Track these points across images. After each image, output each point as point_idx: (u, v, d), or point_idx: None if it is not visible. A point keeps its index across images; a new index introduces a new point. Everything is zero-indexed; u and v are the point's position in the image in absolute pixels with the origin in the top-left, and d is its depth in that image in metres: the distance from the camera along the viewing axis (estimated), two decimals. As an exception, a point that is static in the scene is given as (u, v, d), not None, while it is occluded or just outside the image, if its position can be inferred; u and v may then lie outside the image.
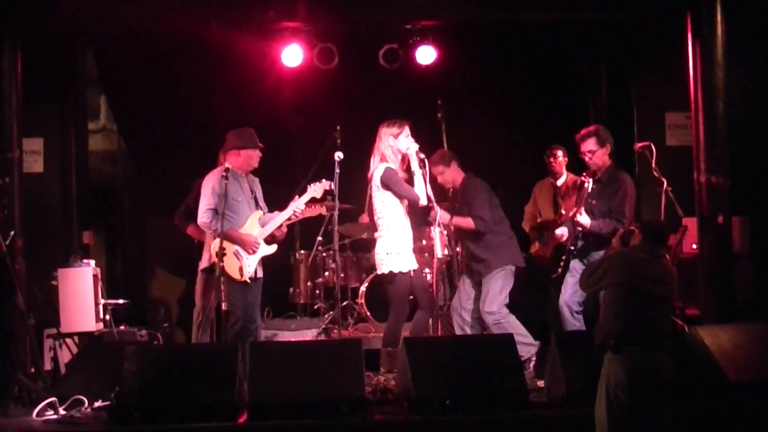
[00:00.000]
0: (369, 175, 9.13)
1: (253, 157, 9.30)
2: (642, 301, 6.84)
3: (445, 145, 9.75)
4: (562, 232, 9.45)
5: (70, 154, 11.29)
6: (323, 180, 9.24)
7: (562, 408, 7.96)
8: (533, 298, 10.77)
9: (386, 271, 9.00)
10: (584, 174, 9.21)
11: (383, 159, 9.05)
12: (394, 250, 9.00)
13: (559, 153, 10.58)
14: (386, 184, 9.01)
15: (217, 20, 10.52)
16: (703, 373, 8.15)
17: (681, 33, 9.74)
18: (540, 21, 11.13)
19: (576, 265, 9.21)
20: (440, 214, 9.25)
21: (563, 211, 10.03)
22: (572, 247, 9.31)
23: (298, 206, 9.27)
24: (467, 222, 9.50)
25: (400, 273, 8.98)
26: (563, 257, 9.36)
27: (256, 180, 9.45)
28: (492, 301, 9.52)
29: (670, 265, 7.18)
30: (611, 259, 7.17)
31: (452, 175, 9.65)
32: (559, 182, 10.61)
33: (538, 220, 10.75)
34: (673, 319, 7.61)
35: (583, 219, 9.06)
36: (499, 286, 9.56)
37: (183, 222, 10.27)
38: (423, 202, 9.03)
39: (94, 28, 11.15)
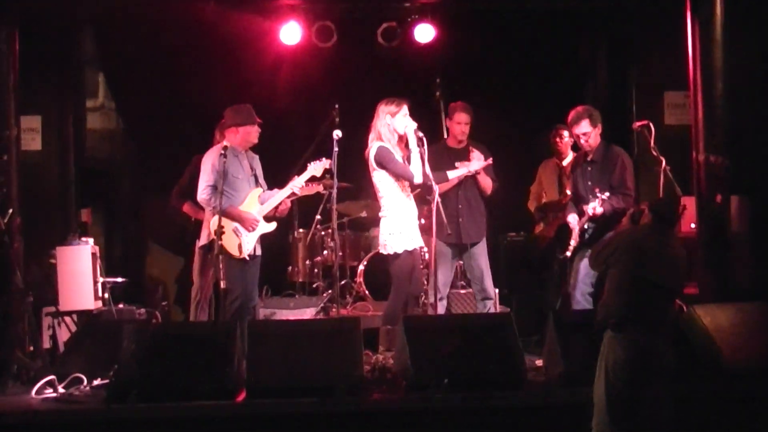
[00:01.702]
0: (365, 154, 9.12)
1: (251, 132, 9.28)
2: (648, 281, 6.82)
3: (443, 123, 9.73)
4: (573, 221, 9.36)
5: (68, 132, 11.28)
6: (323, 158, 9.23)
7: (560, 387, 7.97)
8: (537, 277, 10.79)
9: (391, 252, 9.00)
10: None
11: (379, 137, 9.02)
12: (397, 229, 8.98)
13: (565, 133, 10.57)
14: (380, 163, 8.99)
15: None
16: (700, 353, 8.16)
17: (680, 12, 9.72)
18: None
19: (587, 247, 9.14)
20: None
21: (568, 191, 10.04)
22: (583, 231, 9.25)
23: (297, 184, 9.26)
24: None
25: (405, 252, 8.97)
26: (571, 238, 9.31)
27: (256, 157, 9.44)
28: None
29: (681, 247, 7.13)
30: (621, 238, 7.15)
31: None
32: (564, 162, 10.61)
33: (543, 200, 10.76)
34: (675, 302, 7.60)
35: (599, 209, 9.02)
36: None
37: (179, 200, 10.27)
38: (418, 180, 9.00)
39: (93, 6, 11.12)
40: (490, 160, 9.57)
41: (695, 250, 9.42)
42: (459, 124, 9.58)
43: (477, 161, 9.53)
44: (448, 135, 9.91)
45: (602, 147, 9.29)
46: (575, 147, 10.40)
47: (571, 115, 9.28)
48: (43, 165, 11.01)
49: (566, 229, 9.50)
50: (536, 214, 10.86)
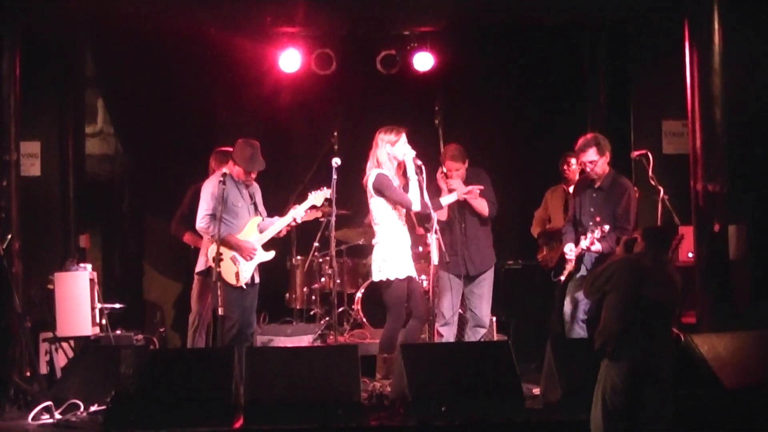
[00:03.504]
0: (363, 181, 9.13)
1: (248, 175, 9.26)
2: (644, 307, 6.84)
3: (441, 150, 9.74)
4: (570, 248, 9.34)
5: (67, 158, 11.29)
6: (324, 188, 9.21)
7: (558, 414, 7.97)
8: (536, 304, 10.79)
9: (383, 279, 8.99)
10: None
11: (378, 165, 9.03)
12: (390, 256, 8.98)
13: (572, 161, 10.58)
14: (379, 190, 9.00)
15: (216, 24, 10.55)
16: (699, 382, 8.15)
17: (679, 40, 9.76)
18: (537, 24, 11.18)
19: (581, 273, 9.16)
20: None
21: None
22: (580, 256, 9.24)
23: (297, 214, 9.26)
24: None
25: (397, 279, 8.96)
26: (567, 263, 9.30)
27: (256, 186, 9.43)
28: None
29: (675, 271, 7.16)
30: (615, 264, 7.16)
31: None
32: (572, 189, 10.62)
33: (548, 226, 10.76)
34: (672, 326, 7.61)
35: (595, 247, 9.02)
36: None
37: (179, 229, 10.29)
38: (416, 208, 9.01)
39: (92, 29, 11.16)
40: (474, 188, 9.53)
41: (693, 278, 9.42)
42: (450, 171, 9.57)
43: (459, 184, 9.53)
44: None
45: (611, 176, 9.26)
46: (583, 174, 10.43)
47: (579, 142, 9.28)
48: (43, 190, 11.01)
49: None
50: (540, 240, 10.87)
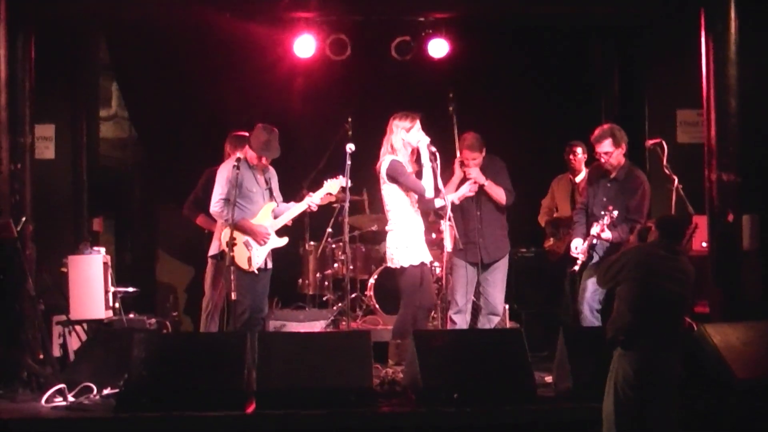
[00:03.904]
0: (376, 167, 9.13)
1: (261, 159, 9.25)
2: (657, 297, 6.84)
3: (456, 138, 9.73)
4: (576, 245, 9.33)
5: (81, 141, 11.31)
6: (339, 176, 9.20)
7: (569, 402, 7.97)
8: (547, 292, 10.78)
9: (397, 266, 9.01)
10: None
11: (392, 151, 9.03)
12: (403, 243, 8.99)
13: (579, 150, 10.58)
14: (392, 177, 9.00)
15: (231, 9, 10.53)
16: (711, 371, 8.15)
17: (694, 29, 9.72)
18: (552, 14, 11.13)
19: (595, 264, 9.14)
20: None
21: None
22: (591, 249, 9.22)
23: (313, 201, 9.26)
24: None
25: (411, 266, 8.97)
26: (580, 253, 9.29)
27: (272, 171, 9.42)
28: None
29: (688, 262, 7.15)
30: (628, 253, 7.16)
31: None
32: (578, 179, 10.62)
33: (555, 215, 10.76)
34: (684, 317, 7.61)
35: (606, 235, 9.01)
36: None
37: (192, 212, 10.27)
38: (429, 194, 9.01)
39: (107, 14, 11.16)
40: (475, 180, 9.53)
41: (706, 268, 9.40)
42: (467, 160, 9.56)
43: (477, 173, 9.51)
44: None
45: (626, 168, 9.27)
46: (588, 163, 10.41)
47: (596, 132, 9.27)
48: (57, 173, 11.03)
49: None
50: (547, 229, 10.86)
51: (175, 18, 11.01)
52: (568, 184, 10.76)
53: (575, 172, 10.66)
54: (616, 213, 8.91)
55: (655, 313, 6.84)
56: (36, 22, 9.74)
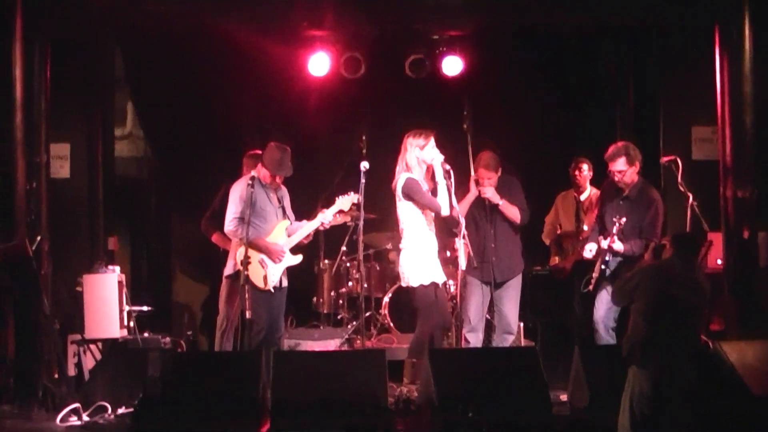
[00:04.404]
0: (392, 185, 9.13)
1: (275, 177, 9.28)
2: (673, 308, 6.83)
3: (470, 155, 9.73)
4: (590, 248, 9.32)
5: (96, 160, 11.32)
6: (351, 192, 9.24)
7: (585, 420, 7.94)
8: (566, 308, 10.76)
9: (410, 285, 9.01)
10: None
11: (407, 169, 9.03)
12: (415, 262, 8.98)
13: (584, 166, 10.57)
14: (408, 195, 9.00)
15: (246, 27, 10.57)
16: (727, 388, 8.12)
17: (709, 45, 9.71)
18: (566, 27, 11.15)
19: (609, 280, 9.12)
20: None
21: (585, 227, 10.02)
22: (604, 265, 9.20)
23: (326, 218, 9.28)
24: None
25: (421, 286, 8.96)
26: (593, 272, 9.27)
27: (285, 189, 9.47)
28: None
29: (704, 278, 7.15)
30: (644, 270, 7.16)
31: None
32: (582, 196, 10.61)
33: (558, 232, 10.73)
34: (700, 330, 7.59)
35: (617, 246, 9.00)
36: None
37: (209, 228, 10.28)
38: (445, 212, 9.00)
39: (123, 30, 11.22)
40: (487, 196, 9.52)
41: (722, 285, 9.37)
42: (482, 179, 9.54)
43: (492, 193, 9.50)
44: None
45: (639, 186, 9.24)
46: (594, 181, 10.41)
47: (610, 150, 9.24)
48: (72, 192, 11.03)
49: (585, 264, 9.47)
50: (552, 247, 10.85)
51: (191, 36, 11.07)
52: (572, 202, 10.75)
53: (580, 189, 10.66)
54: (624, 220, 8.91)
55: (671, 324, 6.84)
56: (52, 40, 9.77)
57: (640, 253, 8.87)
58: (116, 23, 10.98)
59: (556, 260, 10.72)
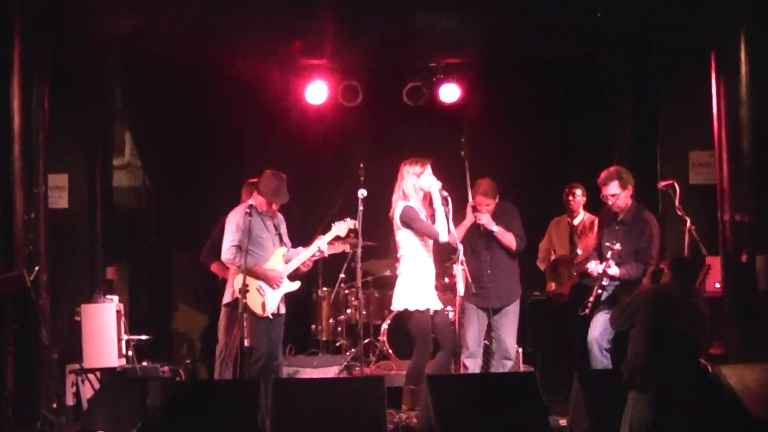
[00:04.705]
0: (390, 214, 9.14)
1: (271, 206, 9.30)
2: (672, 339, 6.82)
3: (468, 182, 9.74)
4: (593, 268, 9.33)
5: (95, 190, 11.32)
6: (347, 219, 9.27)
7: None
8: (565, 333, 10.75)
9: (401, 309, 9.01)
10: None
11: (404, 197, 9.05)
12: (411, 288, 8.99)
13: (578, 191, 10.59)
14: (406, 222, 9.01)
15: (244, 56, 10.61)
16: (727, 412, 8.09)
17: (705, 69, 9.73)
18: (564, 58, 11.19)
19: (605, 303, 9.13)
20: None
21: (579, 251, 10.02)
22: (601, 289, 9.22)
23: (322, 244, 9.29)
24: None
25: (417, 311, 8.95)
26: (591, 295, 9.28)
27: (281, 217, 9.49)
28: None
29: (703, 304, 7.15)
30: (643, 295, 7.17)
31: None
32: (576, 221, 10.62)
33: (552, 258, 10.73)
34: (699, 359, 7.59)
35: (613, 271, 9.03)
36: None
37: (208, 258, 10.30)
38: (443, 239, 9.01)
39: (123, 61, 11.24)
40: (483, 222, 9.52)
41: (720, 309, 9.36)
42: (480, 206, 9.56)
43: (488, 220, 9.50)
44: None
45: (633, 210, 9.26)
46: (588, 206, 10.43)
47: (602, 175, 9.28)
48: (71, 222, 11.03)
49: (582, 289, 9.48)
50: (547, 273, 10.84)
51: (190, 66, 11.10)
52: (566, 227, 10.75)
53: (573, 214, 10.67)
54: (618, 246, 8.93)
55: (670, 355, 6.83)
56: (50, 71, 9.80)
57: (638, 276, 8.88)
58: (116, 56, 11.00)
59: (552, 286, 10.71)
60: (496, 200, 9.53)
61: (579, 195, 10.60)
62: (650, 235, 9.16)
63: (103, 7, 9.92)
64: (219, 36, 10.44)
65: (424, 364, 9.02)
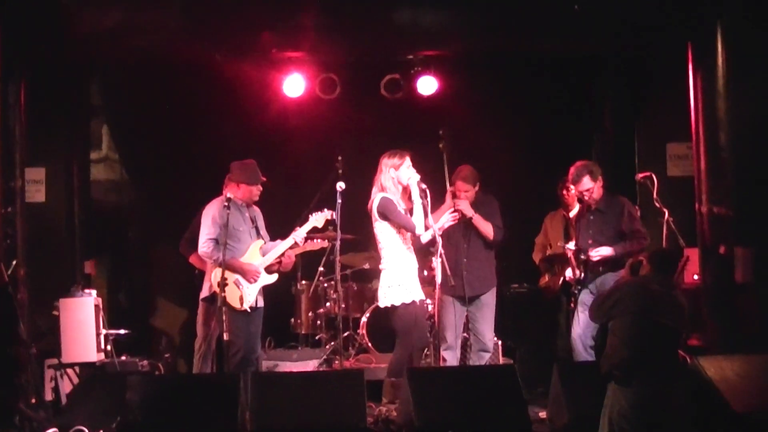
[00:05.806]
0: (368, 206, 9.13)
1: (253, 191, 9.29)
2: (651, 332, 6.84)
3: (446, 175, 9.73)
4: (569, 247, 9.40)
5: (72, 184, 11.30)
6: (325, 209, 9.27)
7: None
8: (545, 326, 10.77)
9: (388, 305, 9.00)
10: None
11: (383, 189, 9.05)
12: (395, 282, 8.98)
13: (572, 186, 10.60)
14: (383, 214, 9.01)
15: (221, 50, 10.56)
16: (707, 404, 8.12)
17: (683, 63, 9.76)
18: (542, 52, 11.20)
19: (586, 298, 9.16)
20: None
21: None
22: (579, 284, 9.26)
23: (299, 235, 9.28)
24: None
25: (403, 305, 8.95)
26: (573, 290, 9.33)
27: (257, 210, 9.47)
28: None
29: (682, 296, 7.17)
30: (622, 288, 7.18)
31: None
32: (572, 214, 10.62)
33: (548, 252, 10.74)
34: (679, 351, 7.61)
35: (604, 251, 9.07)
36: None
37: (187, 250, 10.25)
38: (420, 231, 9.01)
39: (103, 58, 11.18)
40: (458, 210, 9.54)
41: (699, 300, 9.40)
42: (459, 192, 9.57)
43: (466, 206, 9.51)
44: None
45: (606, 197, 9.35)
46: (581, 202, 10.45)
47: (571, 173, 9.35)
48: (48, 216, 11.01)
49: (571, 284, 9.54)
50: (542, 266, 10.84)
51: (167, 60, 11.05)
52: (561, 220, 10.75)
53: (569, 208, 10.66)
54: (591, 232, 9.18)
55: (649, 348, 6.85)
56: (27, 66, 9.75)
57: (640, 250, 8.89)
58: (97, 53, 10.95)
59: (546, 279, 10.72)
60: (477, 188, 9.54)
61: (573, 188, 10.61)
62: (629, 215, 9.25)
63: (83, 2, 9.85)
64: (199, 30, 10.37)
65: (406, 357, 9.02)
